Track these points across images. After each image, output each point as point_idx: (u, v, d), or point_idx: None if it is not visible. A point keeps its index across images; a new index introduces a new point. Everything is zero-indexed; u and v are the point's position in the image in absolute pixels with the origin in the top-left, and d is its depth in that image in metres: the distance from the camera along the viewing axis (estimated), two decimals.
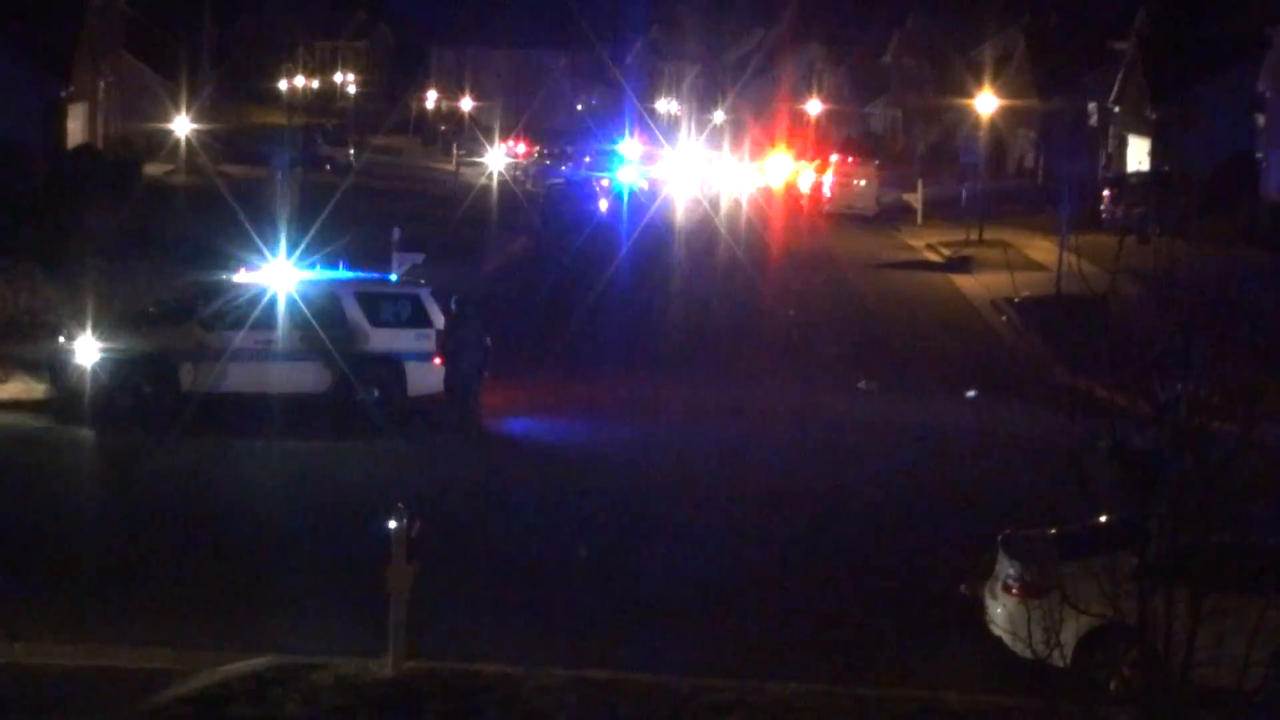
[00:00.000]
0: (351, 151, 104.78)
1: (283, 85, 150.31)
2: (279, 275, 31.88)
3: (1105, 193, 69.06)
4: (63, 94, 63.29)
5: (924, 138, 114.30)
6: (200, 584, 21.06)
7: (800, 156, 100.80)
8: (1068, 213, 49.15)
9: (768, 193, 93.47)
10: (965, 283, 55.85)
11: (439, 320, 31.54)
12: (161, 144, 79.82)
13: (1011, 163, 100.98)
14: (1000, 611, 18.60)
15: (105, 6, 77.09)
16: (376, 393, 31.24)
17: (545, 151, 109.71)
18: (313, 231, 37.66)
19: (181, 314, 31.75)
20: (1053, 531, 18.47)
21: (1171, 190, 60.62)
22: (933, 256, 65.07)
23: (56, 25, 62.97)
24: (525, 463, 29.15)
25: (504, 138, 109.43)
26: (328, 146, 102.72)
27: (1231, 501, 13.80)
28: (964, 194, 72.13)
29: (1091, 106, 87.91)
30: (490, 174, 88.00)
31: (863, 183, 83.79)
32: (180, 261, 43.21)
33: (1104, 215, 65.76)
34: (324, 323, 31.11)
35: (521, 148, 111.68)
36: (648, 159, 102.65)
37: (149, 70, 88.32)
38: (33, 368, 32.70)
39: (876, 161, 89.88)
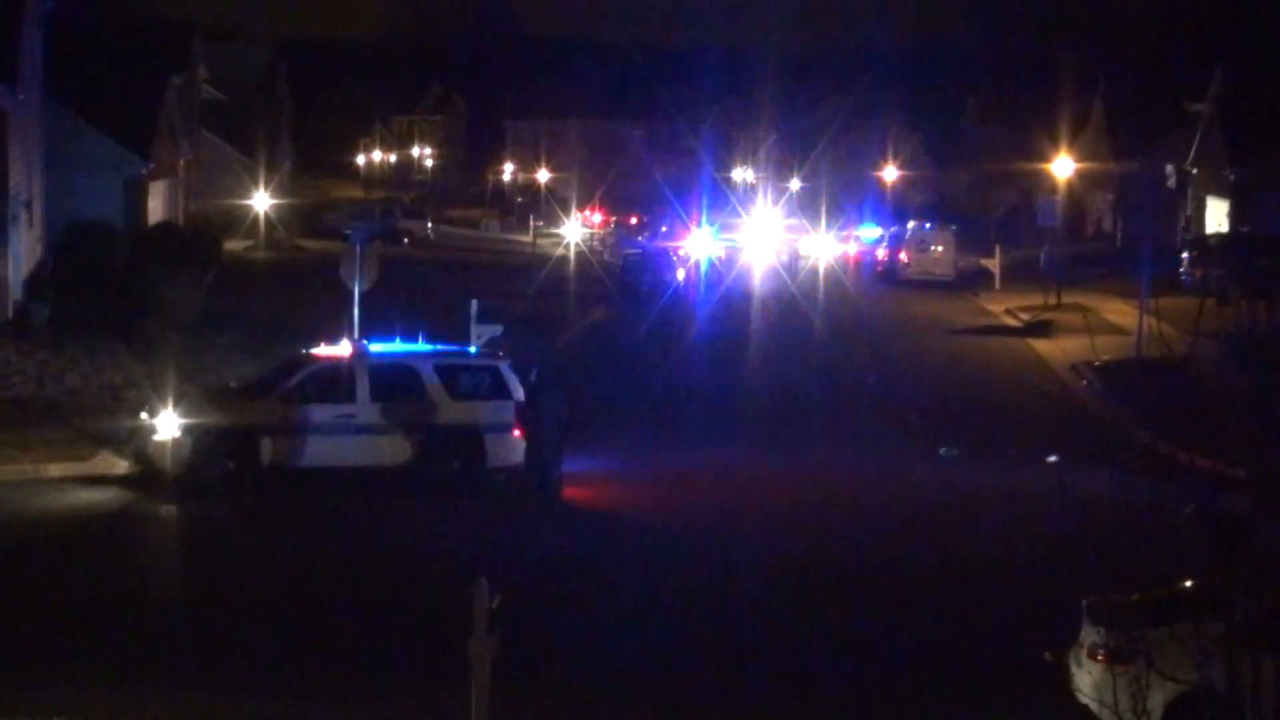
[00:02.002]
0: (429, 225, 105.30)
1: (360, 160, 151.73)
2: (358, 349, 32.08)
3: (1184, 255, 68.62)
4: (143, 171, 63.82)
5: (1001, 202, 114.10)
6: (283, 657, 21.10)
7: (879, 224, 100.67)
8: (1147, 276, 48.85)
9: (845, 259, 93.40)
10: (1045, 347, 55.52)
11: (518, 392, 31.60)
12: (241, 219, 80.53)
13: (1089, 226, 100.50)
14: (1086, 679, 18.43)
15: (185, 85, 77.88)
16: (456, 465, 31.31)
17: (636, 223, 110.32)
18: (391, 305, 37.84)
19: (262, 388, 31.98)
20: (1137, 597, 18.30)
21: (1252, 252, 60.14)
22: (1011, 321, 64.76)
23: (137, 104, 63.52)
24: (606, 533, 29.09)
25: (580, 208, 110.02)
26: (406, 220, 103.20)
27: None
28: (1042, 258, 71.83)
29: (1169, 168, 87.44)
30: (567, 244, 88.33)
31: (940, 248, 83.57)
32: (260, 336, 43.51)
33: (1184, 278, 65.34)
34: (403, 396, 31.26)
35: (598, 218, 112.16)
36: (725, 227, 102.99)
37: (228, 147, 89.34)
38: (116, 443, 32.94)
39: (954, 227, 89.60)
